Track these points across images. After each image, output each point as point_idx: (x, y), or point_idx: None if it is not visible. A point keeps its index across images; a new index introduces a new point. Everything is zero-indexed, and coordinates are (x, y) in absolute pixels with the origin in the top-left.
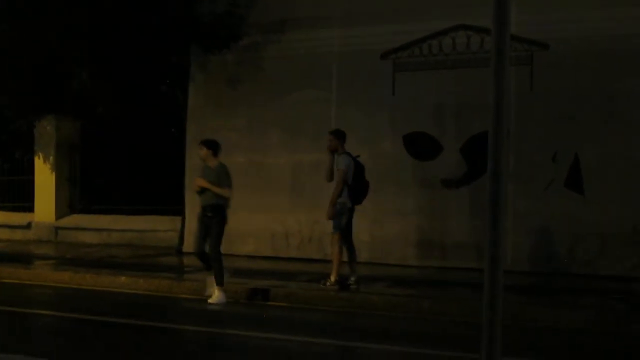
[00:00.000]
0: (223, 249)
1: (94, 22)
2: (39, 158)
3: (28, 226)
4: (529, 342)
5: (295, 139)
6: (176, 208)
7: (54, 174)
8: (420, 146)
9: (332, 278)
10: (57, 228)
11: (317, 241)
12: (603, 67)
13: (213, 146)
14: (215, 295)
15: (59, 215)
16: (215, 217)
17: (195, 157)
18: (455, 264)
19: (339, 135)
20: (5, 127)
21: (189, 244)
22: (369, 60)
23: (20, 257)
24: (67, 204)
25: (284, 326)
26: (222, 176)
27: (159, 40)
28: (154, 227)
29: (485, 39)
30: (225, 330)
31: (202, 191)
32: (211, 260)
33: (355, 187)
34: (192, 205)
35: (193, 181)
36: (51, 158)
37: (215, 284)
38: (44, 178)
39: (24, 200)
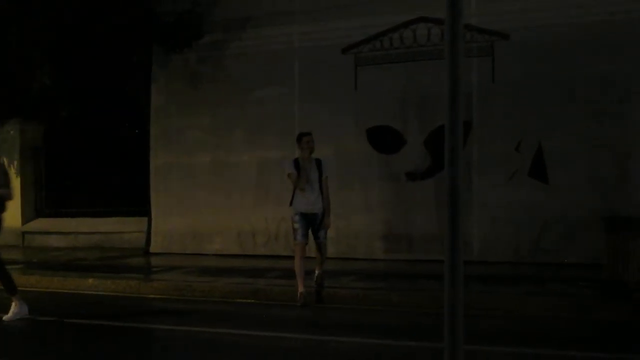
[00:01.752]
0: (190, 248)
1: (54, 24)
2: (3, 163)
3: None
4: (495, 330)
5: (260, 136)
6: (142, 209)
7: (18, 178)
8: (384, 140)
9: (319, 272)
10: (23, 232)
11: (284, 238)
12: (563, 55)
13: None
14: (12, 310)
15: (25, 219)
16: None
17: (160, 157)
18: (422, 256)
19: None
20: None
21: (155, 245)
22: (330, 55)
23: None
24: (33, 208)
25: (249, 322)
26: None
27: (119, 40)
28: (121, 228)
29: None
30: (195, 328)
31: None
32: None
33: None
34: (158, 206)
35: None
36: (15, 162)
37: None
38: None
39: None
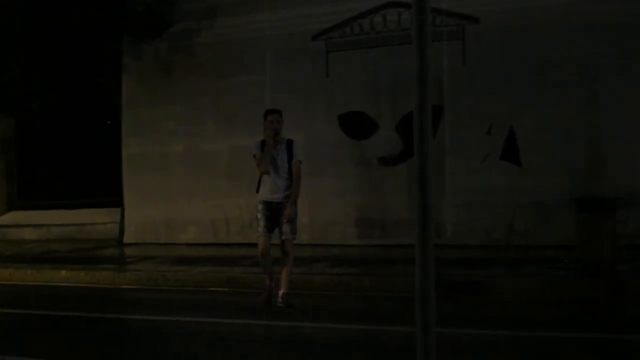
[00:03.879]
0: (164, 238)
1: (25, 16)
2: None
3: None
4: (469, 314)
5: (232, 124)
6: (115, 200)
7: None
8: (356, 126)
9: (285, 291)
10: None
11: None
12: (534, 38)
13: None
14: None
15: None
16: None
17: (132, 147)
18: (396, 241)
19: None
20: None
21: (129, 235)
22: (301, 42)
23: None
24: (5, 201)
25: (223, 311)
26: None
27: (89, 31)
28: (94, 220)
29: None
30: (168, 317)
31: None
32: None
33: None
34: (131, 196)
35: None
36: None
37: None
38: None
39: None
